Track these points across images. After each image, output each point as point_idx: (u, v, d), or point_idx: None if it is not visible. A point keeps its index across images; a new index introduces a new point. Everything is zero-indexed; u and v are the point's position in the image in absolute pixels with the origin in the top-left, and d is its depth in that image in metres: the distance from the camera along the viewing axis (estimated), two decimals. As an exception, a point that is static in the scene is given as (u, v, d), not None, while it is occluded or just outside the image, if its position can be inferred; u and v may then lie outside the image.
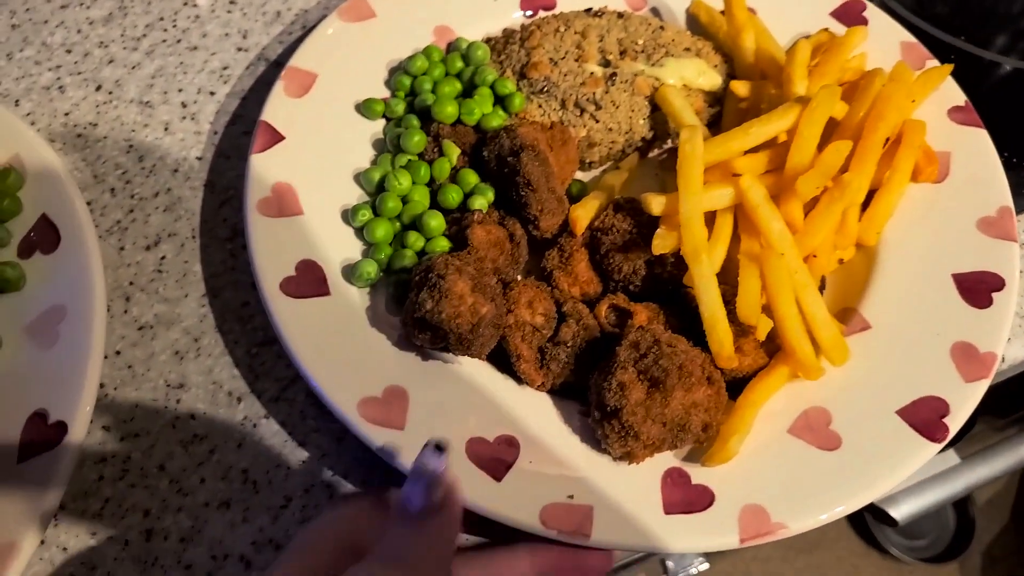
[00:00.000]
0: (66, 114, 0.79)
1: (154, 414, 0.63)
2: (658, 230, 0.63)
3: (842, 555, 1.94)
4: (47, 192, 0.65)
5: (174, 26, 0.85)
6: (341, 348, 0.60)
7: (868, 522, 1.89)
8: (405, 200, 0.67)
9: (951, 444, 1.37)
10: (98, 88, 0.80)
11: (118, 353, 0.66)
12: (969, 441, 1.67)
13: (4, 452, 0.55)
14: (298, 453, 0.62)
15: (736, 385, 0.61)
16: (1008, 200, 0.68)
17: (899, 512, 1.36)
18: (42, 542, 0.57)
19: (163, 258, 0.70)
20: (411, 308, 0.58)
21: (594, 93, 0.72)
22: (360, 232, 0.66)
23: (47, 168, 0.66)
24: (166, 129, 0.78)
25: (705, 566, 1.24)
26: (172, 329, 0.67)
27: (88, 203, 0.72)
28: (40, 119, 0.78)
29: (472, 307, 0.56)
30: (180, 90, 0.81)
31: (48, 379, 0.58)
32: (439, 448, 0.41)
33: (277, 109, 0.70)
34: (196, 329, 0.67)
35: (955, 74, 0.75)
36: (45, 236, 0.63)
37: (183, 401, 0.64)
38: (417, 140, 0.68)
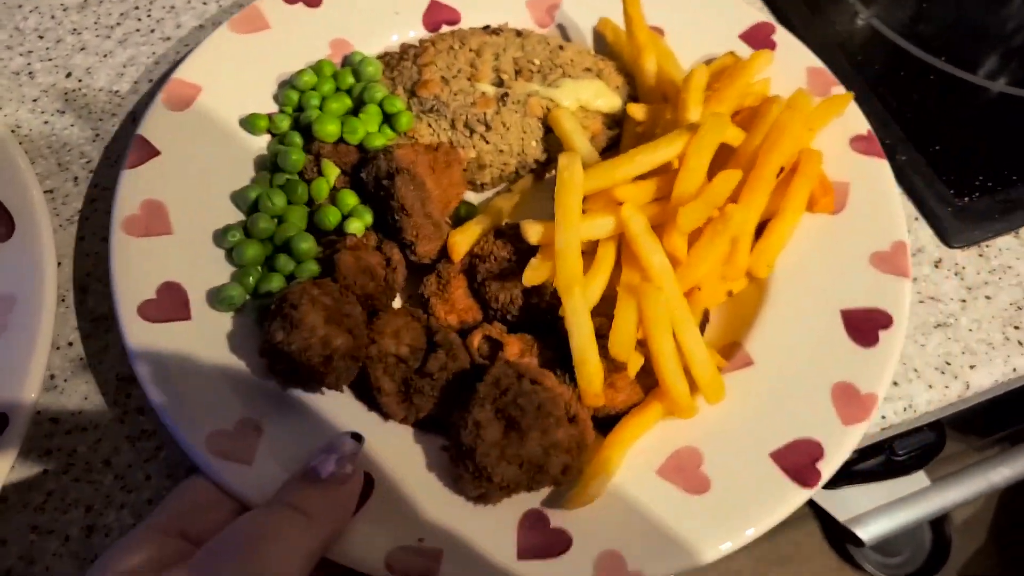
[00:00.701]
0: (34, 100, 0.78)
1: (103, 408, 0.62)
2: (532, 260, 0.61)
3: (816, 570, 1.93)
4: (3, 180, 0.64)
5: (148, 16, 0.84)
6: (196, 377, 0.57)
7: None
8: (280, 221, 0.64)
9: (916, 467, 1.36)
10: (68, 75, 0.79)
11: (70, 344, 0.65)
12: (941, 462, 1.67)
13: None
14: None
15: (610, 422, 0.59)
16: (903, 235, 0.67)
17: (866, 533, 1.35)
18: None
19: None
20: (264, 338, 0.55)
21: (484, 113, 0.69)
22: (230, 254, 0.64)
23: (3, 155, 0.65)
24: (134, 120, 0.77)
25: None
26: None
27: (50, 192, 0.72)
28: (7, 104, 0.77)
29: (324, 339, 0.54)
30: (150, 80, 0.79)
31: None
32: (356, 437, 0.52)
33: (155, 123, 0.68)
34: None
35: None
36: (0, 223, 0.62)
37: (133, 396, 0.63)
38: (295, 159, 0.66)
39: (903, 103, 0.81)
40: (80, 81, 0.79)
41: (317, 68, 0.72)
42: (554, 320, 0.62)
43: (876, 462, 1.26)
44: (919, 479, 1.47)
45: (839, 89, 0.76)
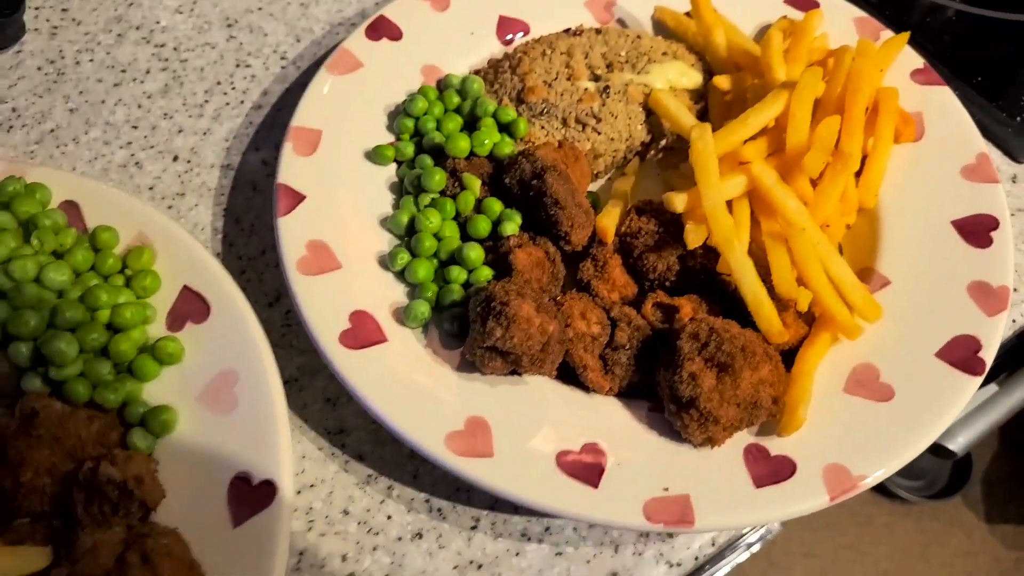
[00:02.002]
0: (150, 188, 0.79)
1: (323, 462, 0.65)
2: (687, 225, 0.66)
3: (853, 507, 2.01)
4: (182, 263, 0.65)
5: (232, 88, 0.86)
6: (413, 389, 0.61)
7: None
8: (438, 237, 0.68)
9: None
10: (175, 159, 0.81)
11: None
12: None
13: (216, 520, 0.55)
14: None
15: (783, 358, 0.65)
16: (983, 146, 0.75)
17: (955, 444, 1.44)
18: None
19: (287, 312, 0.71)
20: (479, 339, 0.59)
21: (592, 107, 0.75)
22: (400, 275, 0.68)
23: (174, 239, 0.66)
24: (254, 188, 0.79)
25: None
26: (317, 377, 0.68)
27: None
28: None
29: (540, 327, 0.58)
30: (257, 148, 0.82)
31: (239, 442, 0.57)
32: None
33: (291, 170, 0.71)
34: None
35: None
36: (192, 306, 0.63)
37: (348, 445, 0.65)
38: (438, 179, 0.70)
39: (938, 47, 0.89)
40: (189, 162, 0.81)
41: (423, 93, 0.77)
42: (708, 279, 0.68)
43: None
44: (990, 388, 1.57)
45: (887, 33, 0.83)
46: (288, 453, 0.57)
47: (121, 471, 0.54)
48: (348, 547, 0.61)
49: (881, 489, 1.98)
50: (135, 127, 0.84)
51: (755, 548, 0.85)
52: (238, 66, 0.89)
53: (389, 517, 0.63)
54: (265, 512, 0.55)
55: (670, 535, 0.63)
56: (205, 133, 0.83)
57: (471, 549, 0.62)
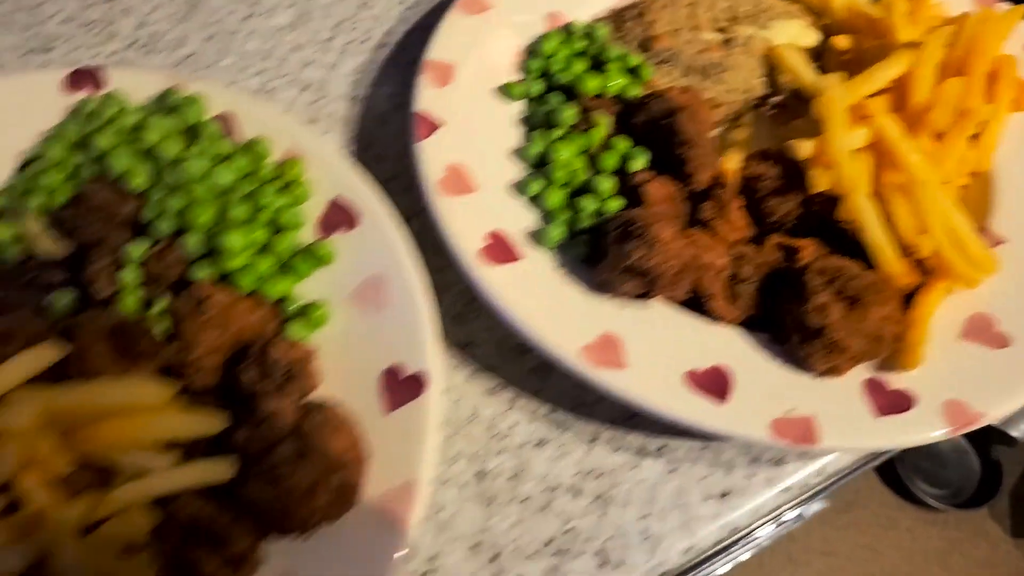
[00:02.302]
0: (283, 114, 0.82)
1: (451, 371, 0.69)
2: (813, 171, 0.69)
3: (877, 510, 2.03)
4: (332, 176, 0.68)
5: (354, 28, 0.90)
6: (547, 304, 0.64)
7: (900, 474, 1.98)
8: (569, 169, 0.71)
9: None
10: (305, 88, 0.84)
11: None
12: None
13: (368, 407, 0.59)
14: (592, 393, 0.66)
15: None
16: (1097, 118, 0.76)
17: (1018, 431, 1.45)
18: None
19: (417, 232, 0.71)
20: (616, 260, 0.62)
21: (716, 58, 0.77)
22: (532, 201, 0.71)
23: (324, 154, 0.69)
24: (382, 120, 0.83)
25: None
26: (445, 295, 0.71)
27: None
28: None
29: (679, 250, 0.61)
30: (382, 84, 0.85)
31: (390, 338, 0.61)
32: None
33: (427, 99, 0.74)
34: (468, 292, 0.69)
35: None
36: (341, 216, 0.66)
37: (476, 356, 0.69)
38: (570, 114, 0.73)
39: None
40: (319, 91, 0.84)
41: (550, 38, 0.79)
42: (827, 224, 0.70)
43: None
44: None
45: (1003, 6, 0.85)
46: (437, 351, 0.61)
47: (287, 354, 0.57)
48: (476, 448, 0.65)
49: (906, 494, 1.99)
50: (265, 58, 0.87)
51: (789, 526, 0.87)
52: (361, 7, 0.92)
53: (513, 425, 0.66)
54: (416, 402, 0.58)
55: (779, 462, 0.66)
56: (332, 67, 0.87)
57: (590, 459, 0.65)
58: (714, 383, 0.61)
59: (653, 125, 0.72)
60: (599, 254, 0.66)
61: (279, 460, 0.51)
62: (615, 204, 0.69)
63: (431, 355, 0.60)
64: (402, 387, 0.59)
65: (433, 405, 0.58)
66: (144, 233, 0.65)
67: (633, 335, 0.63)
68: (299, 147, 0.70)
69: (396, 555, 0.53)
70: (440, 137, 0.73)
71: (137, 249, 0.63)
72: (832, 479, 0.67)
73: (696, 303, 0.66)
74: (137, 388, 0.54)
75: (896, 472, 1.98)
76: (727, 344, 0.64)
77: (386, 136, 0.82)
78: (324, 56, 0.88)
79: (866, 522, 2.01)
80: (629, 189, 0.70)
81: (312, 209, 0.68)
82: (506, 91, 0.77)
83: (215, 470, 0.53)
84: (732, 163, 0.72)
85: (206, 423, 0.55)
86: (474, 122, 0.75)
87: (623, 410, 0.67)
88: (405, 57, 0.88)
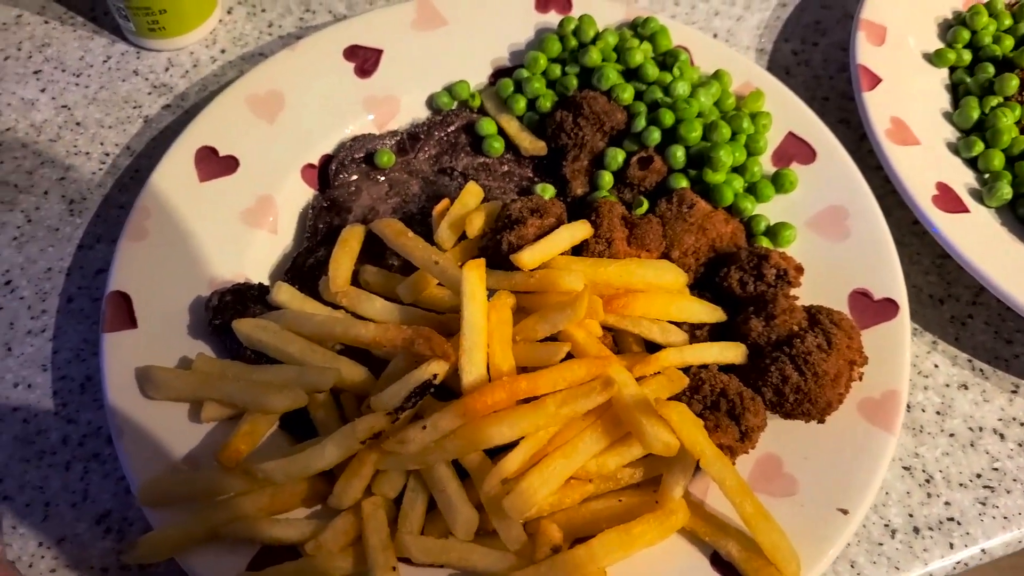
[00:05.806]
0: None
1: None
2: None
3: None
4: (788, 112, 0.74)
5: None
6: (1000, 255, 0.68)
7: None
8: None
9: None
10: (712, 36, 0.90)
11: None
12: None
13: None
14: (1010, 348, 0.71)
15: None
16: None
17: None
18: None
19: None
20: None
21: None
22: (968, 163, 0.74)
23: (779, 90, 0.76)
24: (787, 72, 0.87)
25: None
26: None
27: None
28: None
29: None
30: (786, 40, 0.90)
31: (855, 264, 0.67)
32: None
33: (866, 54, 0.78)
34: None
35: None
36: (798, 149, 0.72)
37: None
38: (1014, 83, 0.76)
39: None
40: (726, 40, 0.90)
41: (980, 12, 0.82)
42: None
43: None
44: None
45: None
46: (902, 280, 0.66)
47: (781, 263, 0.64)
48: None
49: None
50: (677, 3, 0.93)
51: None
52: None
53: (936, 366, 0.71)
54: (892, 322, 0.63)
55: None
56: (739, 19, 0.92)
57: (1013, 408, 0.69)
58: None
59: (1103, 102, 0.73)
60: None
61: (810, 348, 0.57)
62: (1066, 172, 0.72)
63: (900, 282, 0.65)
64: (876, 308, 0.64)
65: (907, 325, 0.63)
66: (621, 144, 0.72)
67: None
68: (754, 82, 0.76)
69: (885, 452, 0.58)
70: (882, 90, 0.77)
71: (619, 155, 0.71)
72: None
73: None
74: (663, 271, 0.62)
75: None
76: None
77: (795, 88, 0.86)
78: (731, 8, 0.93)
79: None
80: (1074, 160, 0.72)
81: (770, 141, 0.74)
82: (938, 58, 0.81)
83: (733, 352, 0.60)
84: None
85: (715, 312, 0.62)
86: (908, 82, 0.79)
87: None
88: (807, 18, 0.92)
